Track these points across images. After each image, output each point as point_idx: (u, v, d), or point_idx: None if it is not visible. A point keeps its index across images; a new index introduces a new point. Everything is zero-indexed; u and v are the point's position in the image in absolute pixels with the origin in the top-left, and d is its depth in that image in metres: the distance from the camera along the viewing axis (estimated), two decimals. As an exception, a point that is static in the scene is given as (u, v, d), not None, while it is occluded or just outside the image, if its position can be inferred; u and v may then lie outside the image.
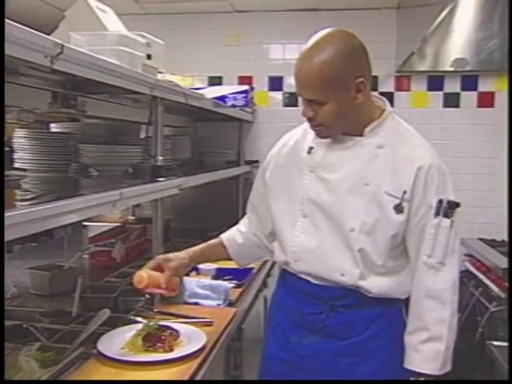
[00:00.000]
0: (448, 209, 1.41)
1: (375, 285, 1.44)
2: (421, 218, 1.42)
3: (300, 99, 1.48)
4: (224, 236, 1.74)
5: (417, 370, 1.42)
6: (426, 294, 1.42)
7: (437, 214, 1.41)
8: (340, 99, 1.38)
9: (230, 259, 1.76)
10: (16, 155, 2.04)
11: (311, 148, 1.52)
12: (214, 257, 1.79)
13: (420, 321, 1.43)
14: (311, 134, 1.54)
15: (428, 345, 1.41)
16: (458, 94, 3.44)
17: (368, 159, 1.44)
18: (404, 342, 1.46)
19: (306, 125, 1.56)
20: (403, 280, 1.47)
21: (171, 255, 1.61)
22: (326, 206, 1.46)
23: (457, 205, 1.42)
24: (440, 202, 1.41)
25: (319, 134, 1.48)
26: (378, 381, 1.46)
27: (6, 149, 2.09)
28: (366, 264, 1.43)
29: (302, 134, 1.58)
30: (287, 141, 1.62)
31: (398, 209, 1.40)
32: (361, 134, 1.46)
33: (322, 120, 1.41)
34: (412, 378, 1.43)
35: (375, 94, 1.53)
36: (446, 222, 1.41)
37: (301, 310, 1.53)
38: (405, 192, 1.40)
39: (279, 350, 1.57)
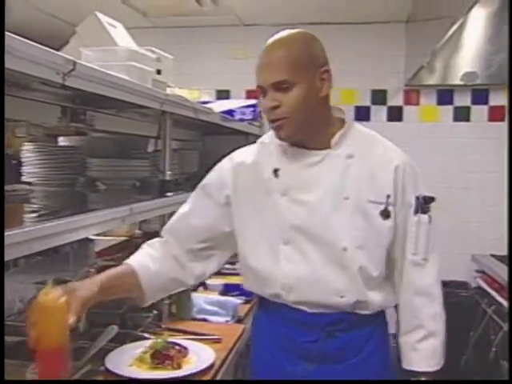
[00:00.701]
0: (424, 204, 1.41)
1: (373, 298, 1.41)
2: (403, 218, 1.41)
3: (260, 100, 1.40)
4: (132, 261, 1.45)
5: (417, 370, 1.41)
6: (415, 292, 1.42)
7: (416, 211, 1.41)
8: (307, 83, 1.33)
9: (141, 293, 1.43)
10: (24, 169, 2.05)
11: (277, 170, 1.42)
12: (123, 288, 1.43)
13: (415, 319, 1.42)
14: (270, 151, 1.45)
15: (425, 342, 1.41)
16: (468, 108, 3.42)
17: (341, 171, 1.39)
18: (399, 344, 1.45)
19: (259, 143, 1.51)
20: (390, 290, 1.46)
21: (75, 284, 1.28)
22: (311, 229, 1.38)
23: (432, 199, 1.42)
24: (417, 198, 1.41)
25: (280, 131, 1.38)
26: (378, 381, 1.44)
27: (14, 161, 2.09)
28: (364, 280, 1.39)
29: (257, 152, 1.48)
30: (243, 159, 1.49)
31: (384, 214, 1.38)
32: (327, 147, 1.41)
33: (288, 108, 1.33)
34: (413, 379, 1.42)
35: (334, 105, 1.45)
36: (425, 218, 1.41)
37: (293, 339, 1.43)
38: (388, 196, 1.38)
39: (271, 376, 1.47)
